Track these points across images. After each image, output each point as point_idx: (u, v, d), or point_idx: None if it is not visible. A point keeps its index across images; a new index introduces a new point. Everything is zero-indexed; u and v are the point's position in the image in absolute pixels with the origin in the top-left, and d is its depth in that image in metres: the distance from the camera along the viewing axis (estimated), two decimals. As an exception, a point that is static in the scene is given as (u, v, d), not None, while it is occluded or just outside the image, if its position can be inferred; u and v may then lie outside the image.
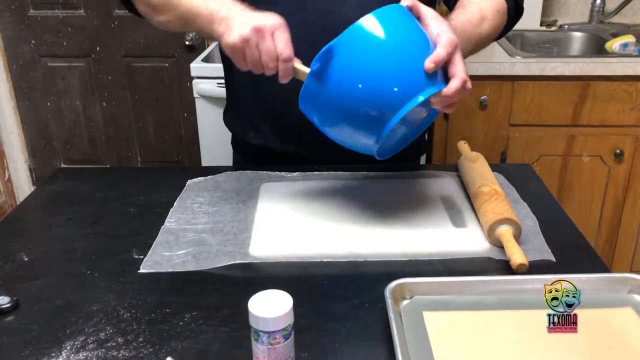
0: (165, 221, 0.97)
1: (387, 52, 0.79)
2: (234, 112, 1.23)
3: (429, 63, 0.78)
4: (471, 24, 0.97)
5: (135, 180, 1.15)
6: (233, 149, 1.29)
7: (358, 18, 0.99)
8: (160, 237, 0.93)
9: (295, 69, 0.85)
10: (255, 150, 1.20)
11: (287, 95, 1.03)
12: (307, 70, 0.84)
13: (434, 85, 0.79)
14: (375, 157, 0.85)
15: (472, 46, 0.98)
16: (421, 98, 0.78)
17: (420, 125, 0.92)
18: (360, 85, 0.78)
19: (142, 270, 0.85)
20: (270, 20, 0.82)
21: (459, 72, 0.80)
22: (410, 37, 0.81)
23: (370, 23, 0.79)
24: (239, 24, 0.82)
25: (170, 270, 0.85)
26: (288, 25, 0.88)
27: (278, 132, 1.16)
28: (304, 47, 0.98)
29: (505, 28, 1.10)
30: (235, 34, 0.82)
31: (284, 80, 0.85)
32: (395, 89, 0.78)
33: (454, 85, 0.79)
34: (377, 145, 0.82)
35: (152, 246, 0.90)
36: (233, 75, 1.19)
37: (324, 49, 0.79)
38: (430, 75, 0.79)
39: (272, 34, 0.82)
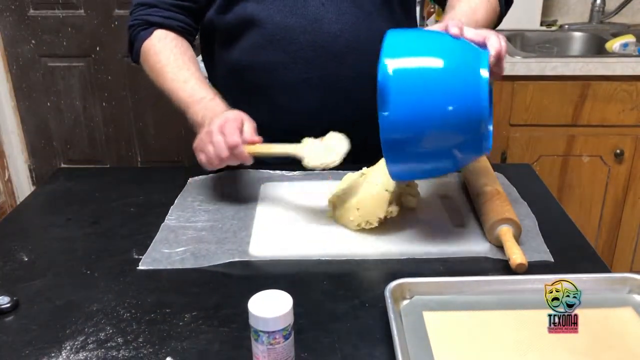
0: (166, 219, 0.98)
1: (435, 63, 0.78)
2: None
3: (453, 29, 0.81)
4: (466, 17, 0.98)
5: (135, 180, 1.15)
6: None
7: (338, 32, 1.04)
8: (160, 235, 0.93)
9: (250, 152, 0.93)
10: None
11: (275, 105, 1.07)
12: (265, 149, 0.93)
13: (479, 53, 0.79)
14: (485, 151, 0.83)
15: None
16: (484, 68, 0.77)
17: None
18: (447, 108, 0.76)
19: (141, 267, 0.85)
20: (219, 121, 0.93)
21: (488, 33, 0.83)
22: (436, 42, 0.81)
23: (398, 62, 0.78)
24: (200, 132, 0.97)
25: (169, 267, 0.85)
26: (273, 41, 1.06)
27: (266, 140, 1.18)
28: (290, 60, 1.07)
29: (498, 19, 1.12)
30: (196, 142, 0.97)
31: (246, 162, 0.94)
32: (464, 83, 0.77)
33: (494, 40, 0.82)
34: (488, 143, 0.81)
35: (152, 243, 0.90)
36: (218, 84, 1.23)
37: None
38: (471, 52, 0.80)
39: (220, 132, 0.92)
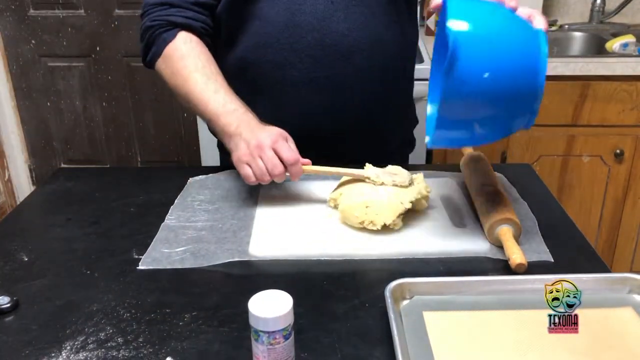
0: (166, 218, 0.98)
1: (498, 32, 0.79)
2: None
3: (511, 2, 0.83)
4: None
5: (135, 180, 1.15)
6: (219, 151, 1.30)
7: (346, 31, 1.04)
8: (160, 234, 0.93)
9: (308, 171, 0.96)
10: None
11: (279, 104, 1.07)
12: (316, 168, 0.96)
13: (537, 31, 0.81)
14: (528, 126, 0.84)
15: None
16: (545, 46, 0.79)
17: None
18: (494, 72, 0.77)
19: (141, 267, 0.85)
20: (269, 136, 0.94)
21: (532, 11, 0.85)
22: (496, 12, 0.82)
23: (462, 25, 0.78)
24: (243, 143, 0.95)
25: (168, 267, 0.85)
26: (281, 38, 1.05)
27: None
28: (297, 59, 1.04)
29: None
30: (240, 153, 0.95)
31: (296, 179, 0.97)
32: (523, 53, 0.79)
33: (539, 19, 0.83)
34: (533, 118, 0.82)
35: (152, 243, 0.91)
36: None
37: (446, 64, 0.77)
38: (529, 31, 0.81)
39: (272, 147, 0.93)
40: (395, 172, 0.97)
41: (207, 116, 1.02)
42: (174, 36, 1.06)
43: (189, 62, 1.05)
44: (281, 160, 0.93)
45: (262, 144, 0.93)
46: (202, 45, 1.09)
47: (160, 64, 1.09)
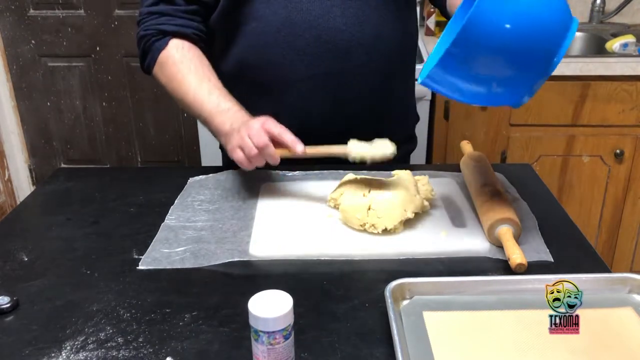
0: (166, 218, 0.98)
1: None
2: None
3: None
4: None
5: (135, 180, 1.15)
6: (222, 151, 1.30)
7: (342, 27, 1.05)
8: (160, 234, 0.93)
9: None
10: None
11: (280, 103, 1.07)
12: (310, 150, 0.94)
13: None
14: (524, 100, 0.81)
15: None
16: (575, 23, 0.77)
17: None
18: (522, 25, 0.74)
19: (141, 267, 0.85)
20: (258, 119, 0.95)
21: None
22: None
23: None
24: (235, 133, 0.96)
25: (168, 267, 0.85)
26: (278, 38, 1.06)
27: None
28: (296, 57, 1.05)
29: None
30: (233, 141, 0.96)
31: (275, 163, 0.95)
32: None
33: None
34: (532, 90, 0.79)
35: (152, 243, 0.91)
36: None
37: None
38: None
39: (262, 126, 0.93)
40: (377, 148, 0.94)
41: (202, 117, 1.05)
42: (166, 44, 1.09)
43: (182, 67, 1.07)
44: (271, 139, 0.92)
45: (250, 124, 0.94)
46: (195, 49, 1.11)
47: (156, 71, 1.12)
